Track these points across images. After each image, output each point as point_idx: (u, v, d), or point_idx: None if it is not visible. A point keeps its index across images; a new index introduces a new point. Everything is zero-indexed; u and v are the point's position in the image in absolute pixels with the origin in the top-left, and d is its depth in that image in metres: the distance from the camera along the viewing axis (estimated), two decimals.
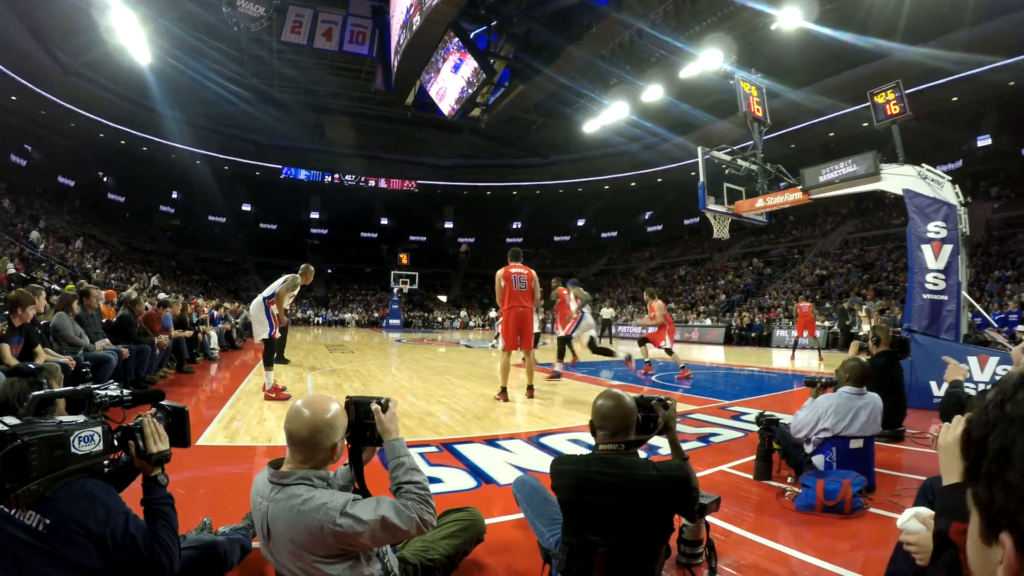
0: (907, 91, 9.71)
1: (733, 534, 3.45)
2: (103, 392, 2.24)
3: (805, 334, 17.50)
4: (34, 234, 29.73)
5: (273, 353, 8.24)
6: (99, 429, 2.02)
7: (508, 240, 63.52)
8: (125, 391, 2.33)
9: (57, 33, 32.82)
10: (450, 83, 28.21)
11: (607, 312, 29.91)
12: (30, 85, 36.18)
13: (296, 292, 8.37)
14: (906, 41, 27.97)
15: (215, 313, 17.85)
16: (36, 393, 2.09)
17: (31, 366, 4.24)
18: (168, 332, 10.80)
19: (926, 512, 1.64)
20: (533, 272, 9.19)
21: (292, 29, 33.35)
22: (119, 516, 2.00)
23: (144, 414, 2.23)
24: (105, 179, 49.52)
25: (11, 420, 1.86)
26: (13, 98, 37.19)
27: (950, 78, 30.37)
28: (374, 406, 2.33)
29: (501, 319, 9.31)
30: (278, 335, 8.16)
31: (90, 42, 32.14)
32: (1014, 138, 33.03)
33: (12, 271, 17.78)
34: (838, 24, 27.23)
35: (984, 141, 34.71)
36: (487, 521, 2.96)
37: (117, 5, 23.42)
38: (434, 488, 4.08)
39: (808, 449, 4.41)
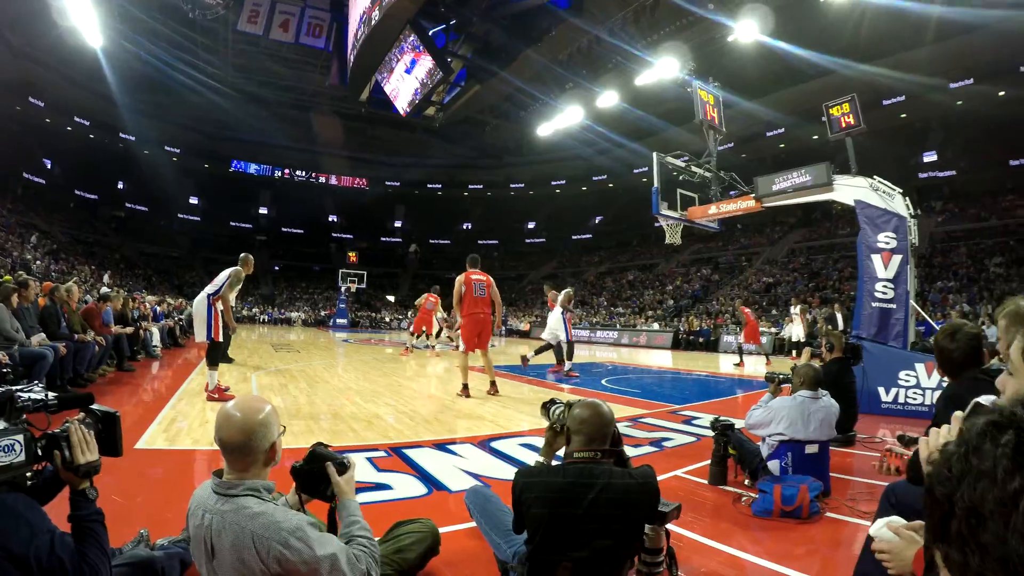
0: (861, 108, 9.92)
1: (692, 541, 3.40)
2: (25, 395, 2.00)
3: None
4: None
5: (218, 352, 7.95)
6: (20, 437, 1.84)
7: (458, 241, 63.35)
8: (50, 394, 2.09)
9: (7, 14, 31.62)
10: (405, 82, 28.02)
11: None
12: None
13: (240, 286, 8.12)
14: (861, 59, 28.90)
15: (158, 309, 17.29)
16: None
17: None
18: (108, 328, 10.38)
19: (898, 521, 1.61)
20: (491, 279, 9.30)
21: (248, 18, 32.82)
22: (44, 535, 1.83)
23: (71, 420, 2.05)
24: (50, 167, 47.81)
25: None
26: None
27: (899, 98, 31.73)
28: (330, 467, 2.21)
29: (460, 323, 9.35)
30: (220, 338, 7.81)
31: (42, 24, 31.01)
32: (958, 155, 34.40)
33: None
34: (793, 39, 27.91)
35: (930, 157, 35.97)
36: (440, 531, 2.86)
37: None
38: (384, 495, 4.02)
39: (764, 453, 4.41)
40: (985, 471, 0.62)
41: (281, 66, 41.35)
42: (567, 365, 11.96)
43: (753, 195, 10.70)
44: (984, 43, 28.19)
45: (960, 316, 19.83)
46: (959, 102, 32.30)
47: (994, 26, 26.37)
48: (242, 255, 8.23)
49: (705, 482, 4.61)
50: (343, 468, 2.23)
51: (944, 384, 7.30)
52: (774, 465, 4.31)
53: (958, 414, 1.41)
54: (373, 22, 25.96)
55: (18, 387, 2.02)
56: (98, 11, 24.65)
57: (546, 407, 3.15)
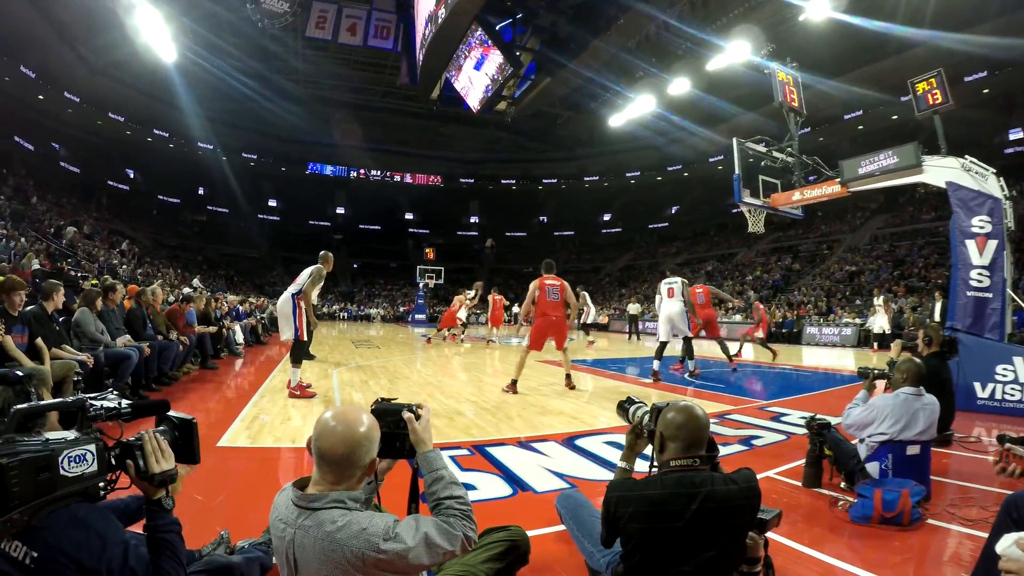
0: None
1: (788, 548, 3.23)
2: (98, 403, 1.96)
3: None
4: (70, 231, 30.03)
5: (302, 350, 8.01)
6: (92, 447, 1.79)
7: (533, 234, 63.36)
8: (124, 402, 2.04)
9: (82, 32, 33.22)
10: (475, 78, 28.14)
11: (633, 308, 29.43)
12: (56, 85, 36.83)
13: (322, 283, 8.19)
14: (941, 29, 27.34)
15: (240, 308, 17.80)
16: (18, 407, 1.83)
17: (18, 372, 3.93)
18: (192, 328, 10.68)
19: None
20: (566, 283, 9.47)
21: (316, 25, 33.56)
22: (116, 547, 1.78)
23: (148, 430, 1.99)
24: (133, 176, 50.06)
25: None
26: (40, 97, 37.70)
27: (981, 74, 29.98)
28: (406, 414, 2.13)
29: (533, 322, 9.65)
30: (305, 336, 7.86)
31: (115, 41, 32.40)
32: None
33: (38, 267, 17.83)
34: (867, 13, 26.69)
35: (1016, 134, 33.97)
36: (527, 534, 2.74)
37: (142, 3, 23.49)
38: (469, 496, 3.91)
39: (862, 454, 4.17)
40: None
41: (351, 69, 42.10)
42: (690, 364, 11.02)
43: (838, 179, 10.22)
44: None
45: None
46: None
47: None
48: (322, 253, 8.30)
49: (799, 484, 4.39)
50: (417, 416, 2.15)
51: None
52: (873, 467, 4.07)
53: None
54: (439, 20, 26.12)
55: (91, 395, 1.98)
56: (169, 27, 25.51)
57: (624, 407, 3.00)
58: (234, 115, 47.78)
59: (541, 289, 9.26)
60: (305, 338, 7.86)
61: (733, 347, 13.32)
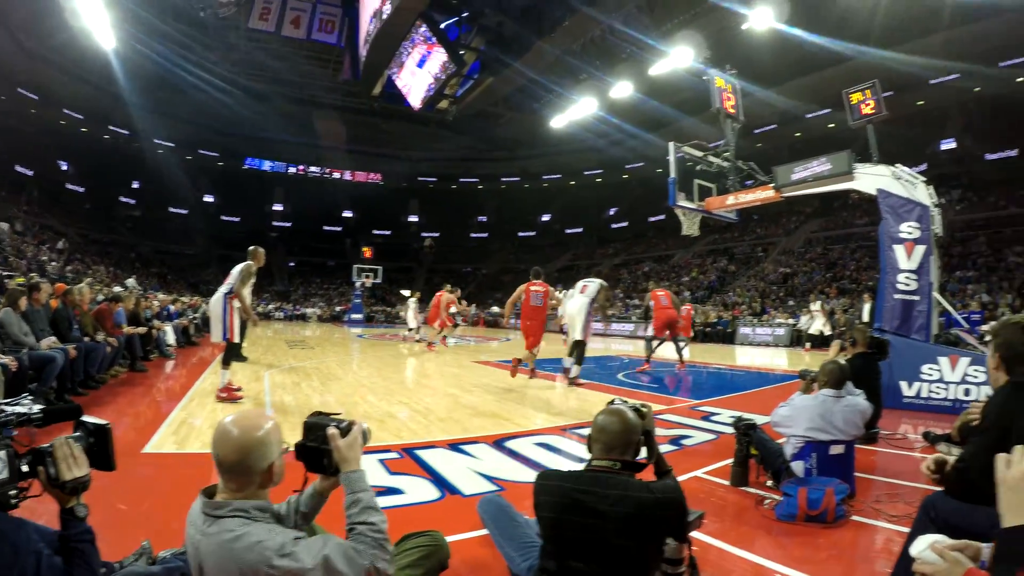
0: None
1: (714, 548, 3.31)
2: (9, 409, 1.94)
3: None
4: (2, 226, 28.87)
5: (233, 352, 7.83)
6: (2, 454, 1.76)
7: (473, 235, 63.27)
8: (35, 407, 2.01)
9: (19, 15, 31.79)
10: (418, 76, 28.01)
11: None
12: None
13: (253, 280, 7.96)
14: (877, 45, 28.53)
15: (172, 308, 17.28)
16: None
17: None
18: (120, 329, 10.29)
19: (944, 541, 1.50)
20: (550, 288, 10.40)
21: (260, 15, 33.03)
22: (28, 556, 1.75)
23: (61, 436, 1.94)
24: (66, 169, 48.15)
25: None
26: None
27: (916, 86, 31.34)
28: (331, 430, 2.05)
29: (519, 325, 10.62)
30: (237, 339, 7.67)
31: (54, 26, 31.12)
32: (977, 142, 33.82)
33: None
34: (809, 26, 27.57)
35: (948, 145, 35.48)
36: (451, 538, 2.74)
37: None
38: (396, 500, 3.92)
39: (788, 453, 4.31)
40: None
41: (294, 63, 41.35)
42: (572, 367, 10.29)
43: (772, 185, 10.51)
44: (999, 28, 27.62)
45: (979, 306, 19.69)
46: (976, 88, 31.89)
47: (1009, 12, 26.01)
48: (251, 248, 8.02)
49: (726, 483, 4.51)
50: (344, 432, 2.06)
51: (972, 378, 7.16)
52: (798, 466, 4.22)
53: None
54: (384, 15, 25.92)
55: (2, 401, 1.95)
56: (110, 12, 24.60)
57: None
58: (172, 106, 46.14)
59: (527, 294, 10.00)
60: (236, 339, 7.69)
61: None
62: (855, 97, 9.75)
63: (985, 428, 2.43)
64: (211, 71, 41.05)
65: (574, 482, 2.28)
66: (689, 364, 13.58)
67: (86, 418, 2.07)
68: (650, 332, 12.37)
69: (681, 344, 13.27)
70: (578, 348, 10.22)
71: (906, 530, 2.77)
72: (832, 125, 33.87)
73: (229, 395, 7.39)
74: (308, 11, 34.03)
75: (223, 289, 7.53)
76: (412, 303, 21.58)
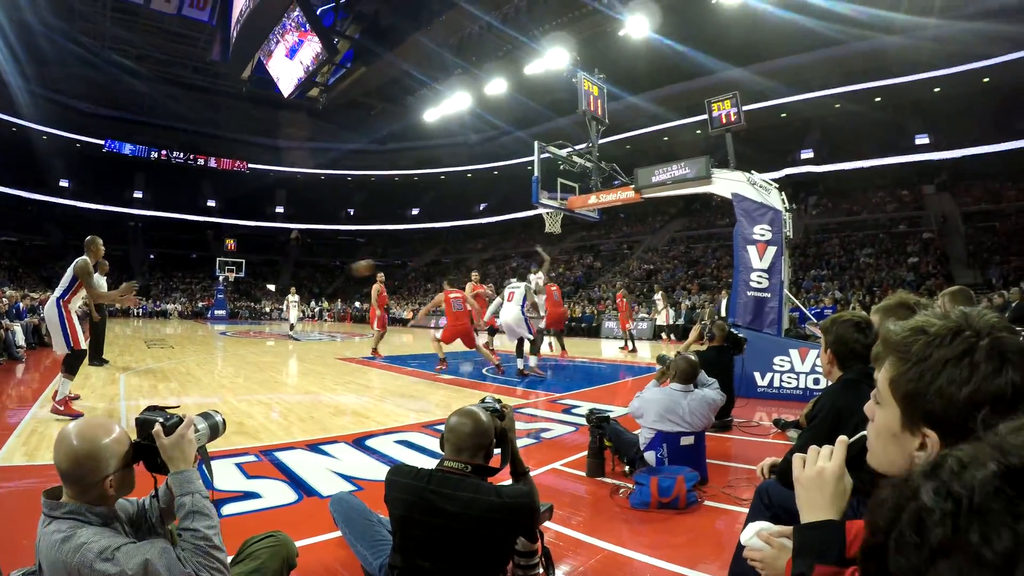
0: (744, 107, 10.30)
1: (569, 538, 3.39)
2: None
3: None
4: None
5: (79, 359, 6.79)
6: None
7: (341, 228, 61.79)
8: None
9: None
10: (289, 61, 27.17)
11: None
12: None
13: (96, 275, 7.26)
14: (746, 61, 30.43)
15: (21, 305, 15.93)
16: None
17: None
18: None
19: (769, 528, 1.58)
20: (466, 293, 11.19)
21: None
22: None
23: None
24: None
25: None
26: None
27: (780, 100, 33.86)
28: (155, 428, 1.93)
29: (444, 326, 11.02)
30: (83, 345, 6.82)
31: None
32: (833, 153, 36.74)
33: None
34: (683, 39, 28.96)
35: (807, 154, 38.16)
36: (308, 541, 2.71)
37: None
38: (253, 504, 3.84)
39: (641, 444, 4.48)
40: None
41: (161, 39, 39.03)
42: (525, 362, 10.93)
43: (633, 186, 10.93)
44: (858, 53, 30.73)
45: (832, 302, 21.28)
46: (837, 105, 34.65)
47: (870, 40, 28.72)
48: (87, 239, 7.22)
49: (583, 474, 4.63)
50: (169, 430, 1.95)
51: (818, 370, 7.68)
52: (650, 456, 4.39)
53: (843, 439, 1.40)
54: None
55: None
56: None
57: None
58: (25, 78, 41.63)
59: (447, 302, 10.61)
60: (83, 345, 6.84)
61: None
62: (716, 106, 10.28)
63: (817, 421, 2.58)
64: (73, 42, 38.06)
65: (424, 481, 2.28)
66: (553, 359, 13.86)
67: None
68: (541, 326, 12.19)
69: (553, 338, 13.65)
70: (532, 344, 11.03)
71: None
72: (699, 132, 35.57)
73: (67, 409, 6.48)
74: None
75: (56, 293, 6.79)
76: (292, 299, 21.05)
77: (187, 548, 1.79)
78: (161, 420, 1.96)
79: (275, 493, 4.10)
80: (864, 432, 1.30)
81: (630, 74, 31.26)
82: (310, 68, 25.19)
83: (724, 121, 10.21)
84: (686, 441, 4.34)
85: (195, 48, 39.43)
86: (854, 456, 1.36)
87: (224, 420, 2.21)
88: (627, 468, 4.51)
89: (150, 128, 51.30)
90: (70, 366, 6.59)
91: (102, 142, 50.36)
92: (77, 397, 7.22)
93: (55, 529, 1.73)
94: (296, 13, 24.73)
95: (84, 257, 6.96)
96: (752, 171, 9.57)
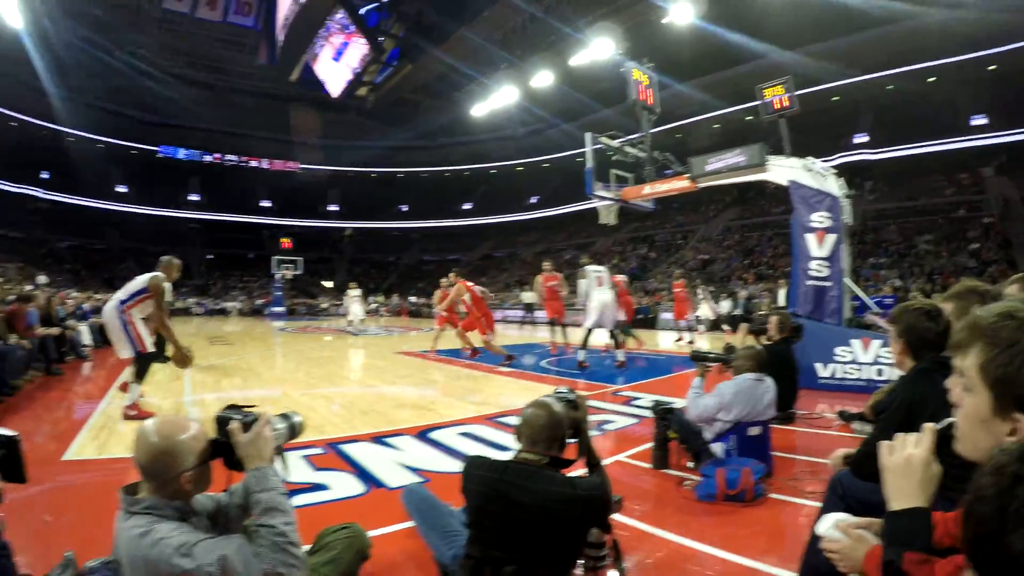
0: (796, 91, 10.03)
1: (636, 530, 3.36)
2: None
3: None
4: None
5: (148, 363, 6.71)
6: None
7: (393, 225, 62.40)
8: None
9: None
10: (336, 63, 27.59)
11: (528, 296, 30.13)
12: None
13: (168, 297, 6.87)
14: (794, 44, 29.68)
15: (86, 306, 16.47)
16: None
17: None
18: (32, 331, 9.75)
19: (848, 519, 1.58)
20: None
21: None
22: None
23: None
24: None
25: None
26: None
27: (832, 84, 32.92)
28: (231, 425, 1.96)
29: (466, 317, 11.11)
30: (149, 348, 6.62)
31: None
32: (888, 136, 35.45)
33: None
34: (729, 23, 28.40)
35: (861, 139, 37.03)
36: (377, 532, 2.73)
37: None
38: (321, 496, 3.88)
39: (707, 436, 4.39)
40: None
41: (209, 46, 40.13)
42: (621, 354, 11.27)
43: (687, 175, 10.73)
44: (908, 32, 29.60)
45: (892, 291, 20.66)
46: (889, 86, 33.72)
47: (919, 17, 27.78)
48: (165, 258, 6.96)
49: (648, 466, 4.58)
50: (246, 427, 1.97)
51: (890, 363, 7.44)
52: (717, 448, 4.31)
53: (930, 426, 1.36)
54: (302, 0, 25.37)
55: None
56: None
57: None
58: (82, 92, 43.67)
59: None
60: (150, 349, 6.64)
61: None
62: (768, 92, 10.06)
63: (891, 411, 2.50)
64: (126, 54, 39.39)
65: (500, 472, 2.28)
66: (611, 350, 13.72)
67: None
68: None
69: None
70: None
71: (820, 505, 2.86)
72: (750, 118, 34.93)
73: (140, 413, 6.40)
74: None
75: (119, 297, 6.59)
76: (354, 294, 21.37)
77: (264, 544, 1.79)
78: (239, 418, 1.99)
79: (343, 485, 4.16)
80: (951, 419, 1.28)
81: (676, 62, 30.82)
82: (357, 69, 25.52)
83: (777, 107, 9.98)
84: (753, 431, 4.28)
85: (242, 53, 40.25)
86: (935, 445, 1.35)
87: (303, 422, 2.24)
88: (692, 460, 4.41)
89: (202, 133, 52.68)
90: (139, 371, 6.57)
91: (156, 148, 52.07)
92: (142, 395, 7.14)
93: (133, 524, 1.75)
94: (340, 15, 25.07)
95: (160, 274, 6.76)
96: (807, 156, 9.31)
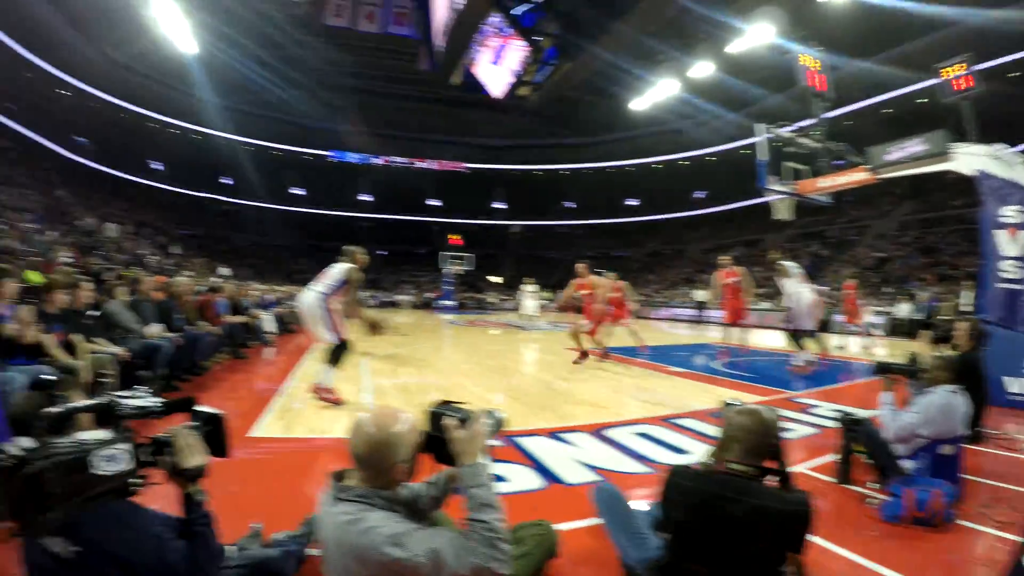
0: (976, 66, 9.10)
1: (818, 547, 3.16)
2: (127, 403, 2.00)
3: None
4: (111, 227, 30.55)
5: (344, 350, 6.96)
6: (124, 446, 1.83)
7: (559, 222, 63.02)
8: (155, 400, 2.08)
9: (100, 26, 33.57)
10: (495, 65, 28.06)
11: (701, 295, 30.12)
12: (76, 81, 37.56)
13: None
14: (974, 5, 26.69)
15: (268, 297, 17.88)
16: (48, 411, 1.88)
17: (48, 377, 3.90)
18: (221, 318, 10.64)
19: None
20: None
21: (334, 13, 33.82)
22: (150, 540, 1.85)
23: (178, 426, 2.03)
24: (159, 168, 50.41)
25: (26, 443, 1.71)
26: (61, 91, 38.20)
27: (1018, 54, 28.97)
28: (446, 421, 2.05)
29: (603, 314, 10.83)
30: (347, 336, 6.88)
31: (133, 34, 32.77)
32: None
33: (66, 259, 18.06)
34: None
35: None
36: (556, 527, 2.74)
37: None
38: (501, 488, 3.83)
39: (900, 451, 4.05)
40: None
41: (369, 57, 42.15)
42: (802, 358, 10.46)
43: (867, 166, 10.03)
44: None
45: None
46: None
47: None
48: (352, 248, 7.16)
49: (830, 480, 4.32)
50: (463, 423, 2.07)
51: None
52: (909, 465, 3.97)
53: None
54: (457, 6, 26.07)
55: (120, 394, 2.04)
56: (190, 20, 25.76)
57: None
58: (255, 106, 48.54)
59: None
60: (348, 337, 6.90)
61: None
62: (946, 72, 9.18)
63: None
64: (292, 69, 42.37)
65: (711, 485, 2.22)
66: (784, 353, 12.93)
67: (200, 407, 2.15)
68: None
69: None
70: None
71: (1013, 537, 2.59)
72: (924, 100, 32.01)
73: (332, 397, 6.71)
74: (381, 5, 34.98)
75: (320, 288, 6.84)
76: (529, 288, 21.78)
77: (476, 539, 1.85)
78: (454, 414, 2.09)
79: (521, 478, 4.20)
80: None
81: (841, 41, 28.62)
82: (517, 70, 25.87)
83: (956, 87, 9.09)
84: (946, 450, 3.88)
85: (402, 61, 41.96)
86: None
87: (507, 418, 2.35)
88: (877, 477, 4.10)
89: (370, 138, 55.68)
90: (336, 357, 6.79)
91: (328, 153, 55.55)
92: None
93: (342, 511, 1.85)
94: (495, 19, 25.50)
95: (351, 265, 7.02)
96: (995, 143, 8.37)
